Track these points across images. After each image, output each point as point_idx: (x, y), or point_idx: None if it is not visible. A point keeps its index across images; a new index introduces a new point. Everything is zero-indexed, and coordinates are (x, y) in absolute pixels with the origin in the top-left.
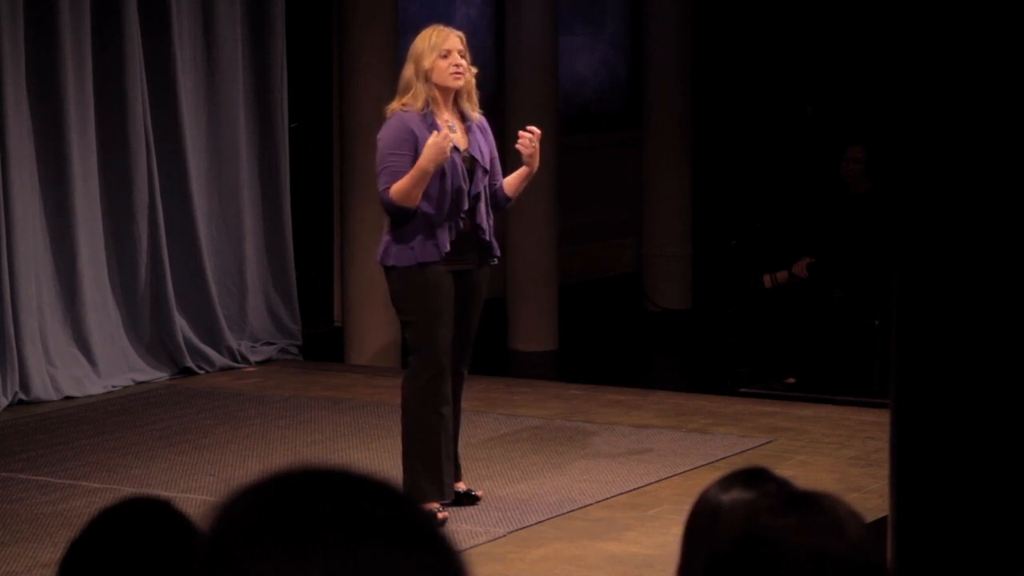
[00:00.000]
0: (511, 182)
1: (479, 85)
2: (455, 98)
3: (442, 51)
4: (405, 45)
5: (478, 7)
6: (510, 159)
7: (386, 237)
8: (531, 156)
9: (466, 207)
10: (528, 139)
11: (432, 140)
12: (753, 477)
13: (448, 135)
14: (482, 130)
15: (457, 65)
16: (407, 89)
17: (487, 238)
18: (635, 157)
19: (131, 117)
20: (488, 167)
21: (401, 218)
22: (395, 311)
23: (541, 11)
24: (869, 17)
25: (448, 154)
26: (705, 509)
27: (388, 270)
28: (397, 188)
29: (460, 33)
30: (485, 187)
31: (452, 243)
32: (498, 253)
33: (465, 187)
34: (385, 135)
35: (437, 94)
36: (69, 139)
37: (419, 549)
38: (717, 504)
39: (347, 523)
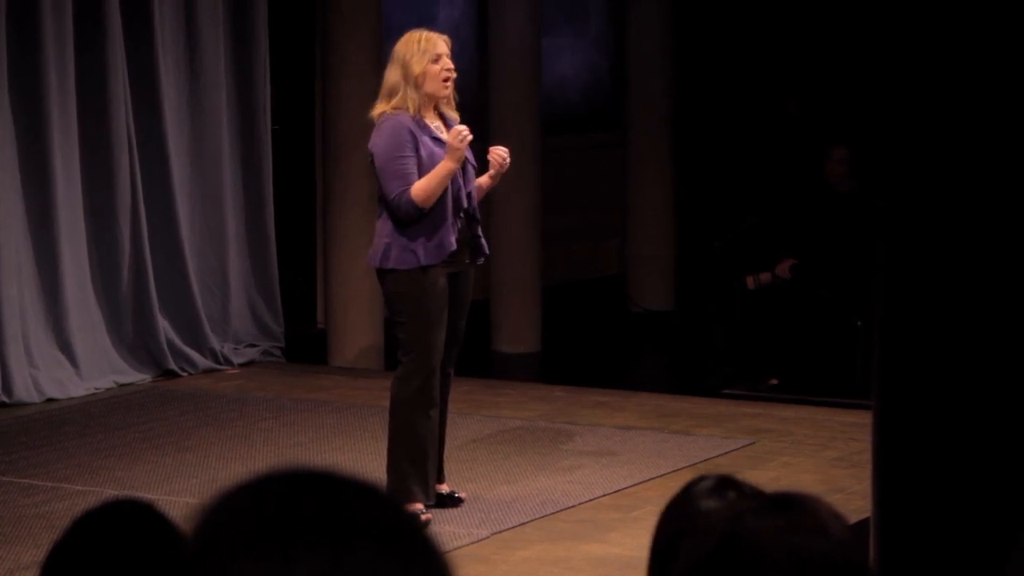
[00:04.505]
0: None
1: (457, 87)
2: (436, 101)
3: (433, 56)
4: (388, 47)
5: (461, 8)
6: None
7: (384, 240)
8: (496, 175)
9: (465, 205)
10: (501, 159)
11: (453, 141)
12: (724, 486)
13: (467, 135)
14: None
15: (448, 71)
16: (394, 92)
17: (480, 234)
18: (618, 158)
19: (113, 120)
20: (476, 164)
21: (413, 219)
22: (390, 312)
23: (524, 12)
24: (852, 17)
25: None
26: (679, 514)
27: (386, 273)
28: (421, 189)
29: (446, 37)
30: (475, 184)
31: (456, 241)
32: (487, 251)
33: (462, 185)
34: (384, 140)
35: (427, 99)
36: (51, 141)
37: (404, 550)
38: (694, 509)
39: (332, 524)
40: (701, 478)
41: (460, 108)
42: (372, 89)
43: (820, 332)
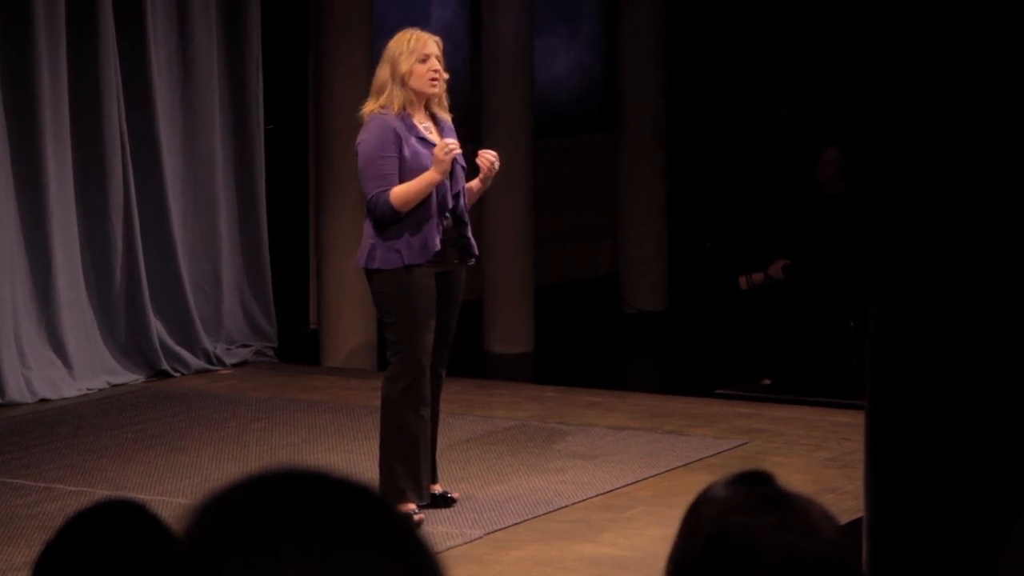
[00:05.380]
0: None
1: (450, 87)
2: (427, 101)
3: (421, 55)
4: (381, 47)
5: (454, 9)
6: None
7: (369, 240)
8: (486, 178)
9: (451, 206)
10: (489, 163)
11: (438, 154)
12: (754, 480)
13: (453, 149)
14: (450, 131)
15: (435, 71)
16: (382, 91)
17: (468, 235)
18: (611, 159)
19: (106, 120)
20: (465, 165)
21: (388, 221)
22: (378, 313)
23: (517, 13)
24: (844, 19)
25: (451, 162)
26: (695, 507)
27: (372, 273)
28: (400, 194)
29: (437, 38)
30: (463, 185)
31: (441, 242)
32: (477, 252)
33: (448, 185)
34: (369, 138)
35: (413, 97)
36: (44, 141)
37: (395, 551)
38: (706, 502)
39: (323, 525)
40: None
41: (453, 109)
42: (365, 90)
43: (813, 332)
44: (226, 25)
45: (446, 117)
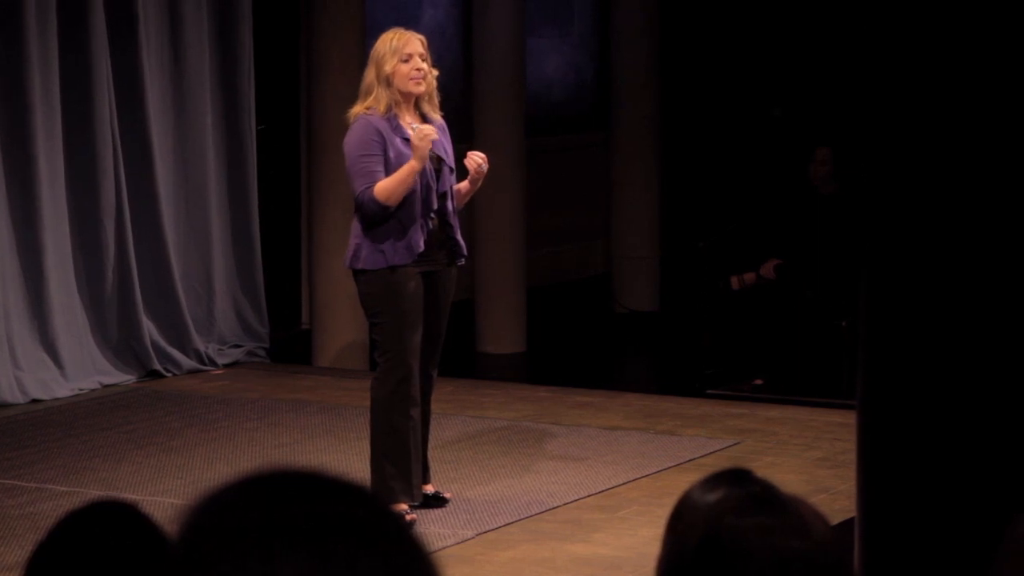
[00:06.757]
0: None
1: (442, 87)
2: (416, 100)
3: (403, 55)
4: (371, 48)
5: (445, 9)
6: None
7: (355, 241)
8: (476, 180)
9: (436, 206)
10: (477, 165)
11: (414, 140)
12: (736, 479)
13: (428, 134)
14: (443, 131)
15: (418, 70)
16: (369, 92)
17: (455, 236)
18: (603, 159)
19: (98, 121)
20: (453, 166)
21: (373, 221)
22: (365, 313)
23: (508, 13)
24: (836, 20)
25: (429, 147)
26: (682, 508)
27: (358, 273)
28: (384, 188)
29: (421, 36)
30: (452, 186)
31: (425, 243)
32: (465, 252)
33: (434, 186)
34: (353, 139)
35: (399, 97)
36: (36, 143)
37: (389, 550)
38: (693, 504)
39: (316, 524)
40: (714, 473)
41: (444, 108)
42: (356, 89)
43: (805, 332)
44: (217, 26)
45: (437, 116)
